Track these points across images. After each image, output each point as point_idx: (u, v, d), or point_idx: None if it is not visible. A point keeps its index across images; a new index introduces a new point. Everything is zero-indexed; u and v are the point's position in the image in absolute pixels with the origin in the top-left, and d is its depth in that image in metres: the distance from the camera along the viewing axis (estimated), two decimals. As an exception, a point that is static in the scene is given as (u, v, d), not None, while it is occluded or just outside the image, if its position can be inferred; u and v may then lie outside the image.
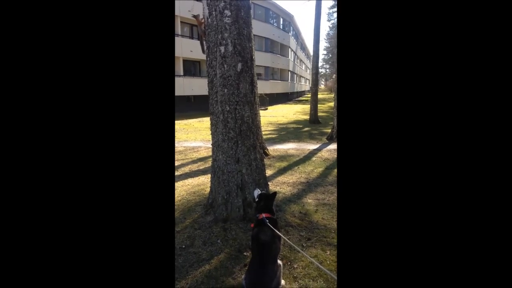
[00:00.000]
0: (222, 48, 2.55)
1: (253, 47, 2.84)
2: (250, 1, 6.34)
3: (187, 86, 15.78)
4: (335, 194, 3.70)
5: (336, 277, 1.11)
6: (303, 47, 42.07)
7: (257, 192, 2.20)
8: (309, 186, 4.07)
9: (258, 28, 20.29)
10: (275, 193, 2.13)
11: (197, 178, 4.51)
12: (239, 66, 2.60)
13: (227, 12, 2.49)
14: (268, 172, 4.78)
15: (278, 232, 1.83)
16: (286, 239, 1.72)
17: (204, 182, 4.23)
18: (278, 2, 23.43)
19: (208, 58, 2.70)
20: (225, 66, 2.57)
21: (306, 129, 10.22)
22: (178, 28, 15.36)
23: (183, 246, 2.45)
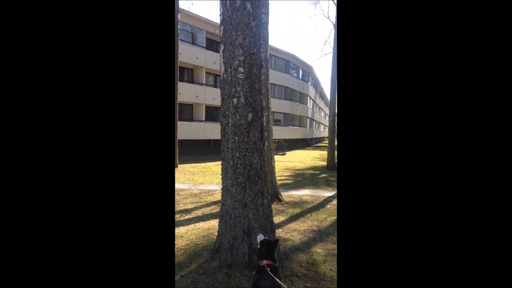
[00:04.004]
0: (235, 100, 2.80)
1: (263, 99, 3.07)
2: (269, 54, 6.77)
3: (208, 130, 16.50)
4: (347, 245, 3.57)
5: None
6: (322, 96, 43.37)
7: (260, 237, 2.23)
8: (320, 235, 3.98)
9: (278, 78, 21.45)
10: (277, 240, 2.15)
11: (208, 222, 4.54)
12: (250, 116, 2.81)
13: (241, 69, 2.78)
14: (280, 218, 4.73)
15: (278, 281, 1.82)
16: (286, 288, 1.71)
17: (214, 226, 4.25)
18: (297, 55, 24.90)
19: (222, 108, 2.95)
20: (237, 115, 2.80)
21: (323, 175, 10.13)
22: (203, 78, 16.61)
23: (186, 291, 2.44)
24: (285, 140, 21.16)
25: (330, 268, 2.91)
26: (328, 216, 4.98)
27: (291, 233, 4.06)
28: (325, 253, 3.34)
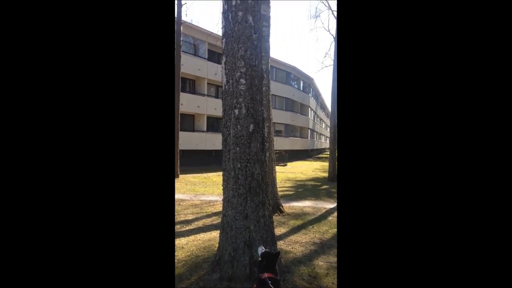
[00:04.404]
0: (237, 111, 2.82)
1: (264, 110, 3.09)
2: (270, 65, 6.85)
3: (209, 140, 16.54)
4: (349, 258, 3.53)
5: None
6: (323, 107, 43.60)
7: (261, 249, 2.20)
8: (322, 247, 3.92)
9: (279, 89, 21.63)
10: (278, 252, 2.12)
11: (209, 233, 4.50)
12: (251, 127, 2.82)
13: (242, 81, 2.81)
14: (281, 230, 4.68)
15: (280, 295, 1.79)
16: (287, 302, 1.68)
17: (215, 237, 4.20)
18: (298, 66, 25.20)
19: (224, 119, 2.97)
20: (238, 126, 2.81)
21: (324, 187, 10.08)
22: (205, 89, 16.77)
23: (186, 305, 2.40)
24: (286, 151, 21.16)
25: (332, 282, 2.86)
26: (330, 228, 4.93)
27: (293, 245, 4.01)
28: (327, 266, 3.28)
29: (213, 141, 16.46)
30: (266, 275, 1.89)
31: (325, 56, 26.30)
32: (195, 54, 16.31)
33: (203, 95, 16.70)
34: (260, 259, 2.08)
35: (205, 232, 4.55)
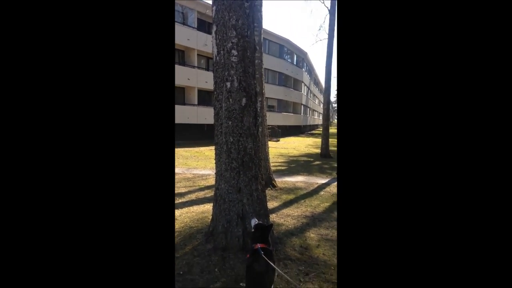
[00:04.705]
0: (228, 84, 2.74)
1: (257, 84, 3.03)
2: (263, 37, 6.64)
3: (200, 115, 16.33)
4: (339, 229, 3.64)
5: None
6: (317, 82, 43.16)
7: (254, 221, 2.24)
8: (314, 221, 4.03)
9: (272, 63, 21.18)
10: (271, 224, 2.16)
11: (202, 205, 4.56)
12: (244, 100, 2.76)
13: (234, 52, 2.71)
14: (274, 204, 4.78)
15: (272, 264, 1.84)
16: (280, 271, 1.73)
17: (208, 209, 4.27)
18: (292, 40, 24.53)
19: (215, 92, 2.89)
20: (231, 100, 2.75)
21: (316, 162, 10.21)
22: (195, 60, 16.25)
23: (181, 272, 2.46)
24: (279, 126, 21.14)
25: (323, 253, 2.97)
26: (322, 202, 5.05)
27: (285, 218, 4.10)
28: (318, 238, 3.39)
29: (205, 116, 16.26)
30: (259, 245, 1.93)
31: (319, 29, 25.64)
32: (184, 23, 15.58)
33: (193, 67, 16.21)
34: (253, 230, 2.12)
35: (198, 204, 4.61)
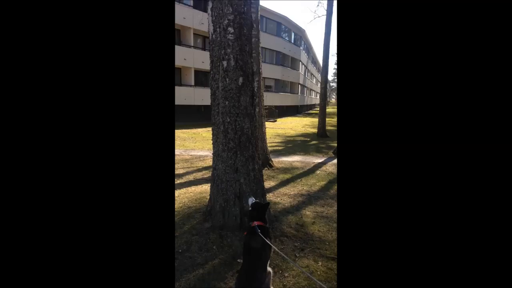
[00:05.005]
0: (225, 63, 2.70)
1: (254, 63, 2.98)
2: (260, 15, 6.45)
3: (197, 96, 16.16)
4: (335, 208, 3.72)
5: (325, 287, 1.14)
6: (314, 61, 42.46)
7: (251, 200, 2.28)
8: (310, 199, 4.11)
9: (269, 41, 20.71)
10: (268, 203, 2.21)
11: (200, 186, 4.61)
12: (241, 80, 2.73)
13: (231, 29, 2.64)
14: (271, 183, 4.84)
15: (268, 241, 1.90)
16: (275, 248, 1.79)
17: (206, 190, 4.32)
18: (289, 17, 23.81)
19: (212, 72, 2.85)
20: (227, 79, 2.71)
21: (313, 142, 10.25)
22: (191, 40, 15.86)
23: (180, 251, 2.53)
24: (276, 106, 21.01)
25: (318, 229, 3.05)
26: (318, 181, 5.12)
27: (282, 197, 4.18)
28: (313, 215, 3.47)
29: (202, 96, 16.08)
30: (256, 223, 1.98)
31: (317, 5, 24.89)
32: (180, 1, 15.08)
33: (190, 46, 15.85)
34: (250, 209, 2.17)
35: (196, 185, 4.66)
